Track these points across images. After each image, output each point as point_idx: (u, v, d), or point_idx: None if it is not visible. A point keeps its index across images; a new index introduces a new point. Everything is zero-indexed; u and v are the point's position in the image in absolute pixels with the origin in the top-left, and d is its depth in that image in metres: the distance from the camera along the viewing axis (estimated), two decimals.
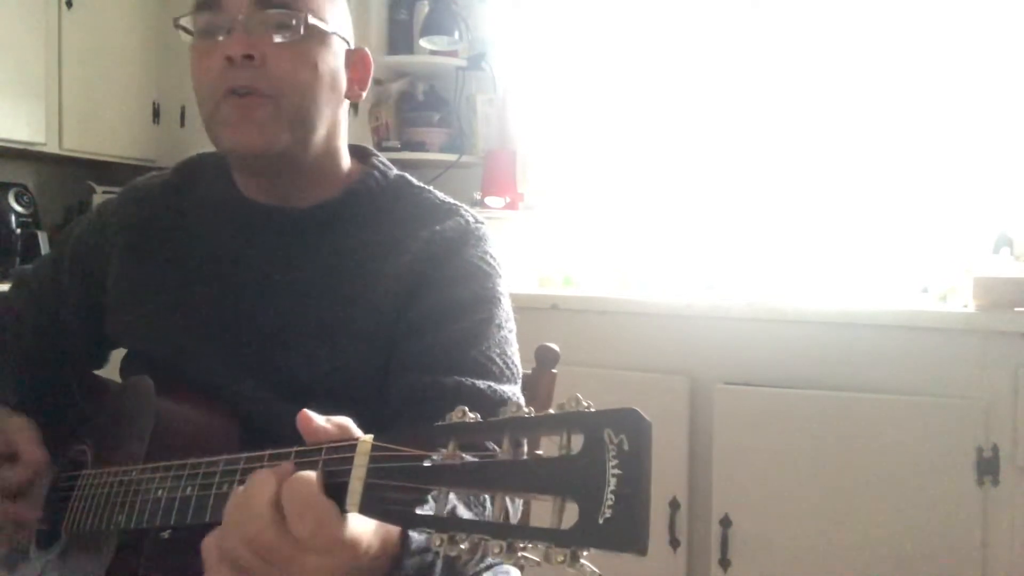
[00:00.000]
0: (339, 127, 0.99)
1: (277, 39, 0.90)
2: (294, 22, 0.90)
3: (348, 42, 0.98)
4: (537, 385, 1.20)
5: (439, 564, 0.70)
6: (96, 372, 1.16)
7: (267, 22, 0.90)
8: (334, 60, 0.95)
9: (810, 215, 2.57)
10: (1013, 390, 1.99)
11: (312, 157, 0.95)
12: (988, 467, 1.99)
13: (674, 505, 2.27)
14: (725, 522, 2.20)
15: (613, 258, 2.76)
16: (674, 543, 2.27)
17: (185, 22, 0.93)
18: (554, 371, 1.22)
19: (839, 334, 2.15)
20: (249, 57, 0.88)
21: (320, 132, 0.94)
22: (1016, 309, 2.00)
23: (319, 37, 0.92)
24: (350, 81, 0.98)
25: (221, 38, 0.89)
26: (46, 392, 1.09)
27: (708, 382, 2.27)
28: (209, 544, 0.63)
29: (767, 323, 2.22)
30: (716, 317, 2.27)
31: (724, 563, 2.20)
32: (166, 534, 0.79)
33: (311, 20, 0.91)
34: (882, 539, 2.06)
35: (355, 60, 0.99)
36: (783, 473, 2.14)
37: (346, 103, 0.99)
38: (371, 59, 1.01)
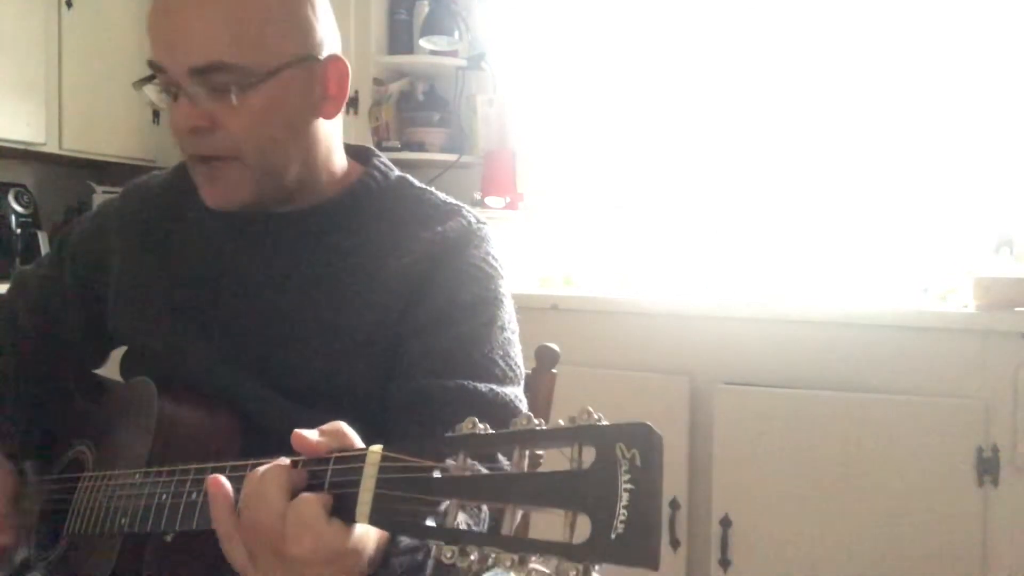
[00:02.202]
0: (319, 146, 0.94)
1: (225, 101, 0.84)
2: (237, 84, 0.84)
3: (314, 55, 0.89)
4: (537, 385, 1.20)
5: (430, 563, 0.70)
6: (95, 370, 1.16)
7: (210, 87, 0.84)
8: (293, 95, 0.88)
9: (810, 216, 2.56)
10: (1013, 390, 1.99)
11: (291, 184, 0.93)
12: (988, 467, 1.99)
13: (674, 505, 2.27)
14: (725, 522, 2.20)
15: (613, 258, 2.76)
16: (674, 543, 2.27)
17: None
18: (554, 371, 1.22)
19: (839, 334, 2.15)
20: (198, 127, 0.86)
21: (292, 168, 0.91)
22: (1016, 309, 2.00)
23: (271, 81, 0.85)
24: (321, 98, 0.91)
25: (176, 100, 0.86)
26: (45, 392, 1.09)
27: (708, 382, 2.27)
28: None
29: (767, 323, 2.22)
30: (716, 317, 2.27)
31: (724, 563, 2.20)
32: (169, 537, 0.79)
33: (256, 71, 0.84)
34: (882, 539, 2.06)
35: (325, 71, 0.90)
36: (783, 473, 2.14)
37: (330, 120, 0.94)
38: (346, 65, 0.92)
